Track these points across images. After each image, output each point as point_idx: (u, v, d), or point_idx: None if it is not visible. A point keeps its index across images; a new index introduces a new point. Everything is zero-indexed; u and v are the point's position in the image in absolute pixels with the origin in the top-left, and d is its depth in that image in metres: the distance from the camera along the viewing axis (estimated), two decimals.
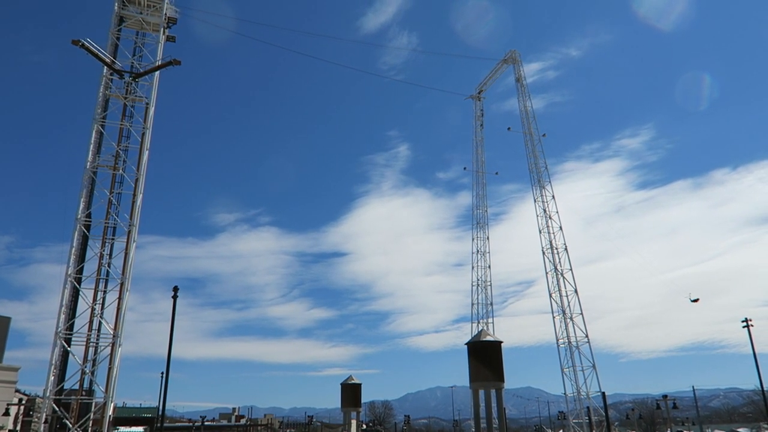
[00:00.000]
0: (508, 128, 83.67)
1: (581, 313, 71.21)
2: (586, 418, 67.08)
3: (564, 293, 72.21)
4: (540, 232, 76.42)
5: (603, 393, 65.60)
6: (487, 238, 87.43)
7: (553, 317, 72.39)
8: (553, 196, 77.50)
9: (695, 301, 71.69)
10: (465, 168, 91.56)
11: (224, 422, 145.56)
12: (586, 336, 69.93)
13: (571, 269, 73.47)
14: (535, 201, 77.83)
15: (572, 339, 69.83)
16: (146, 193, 48.69)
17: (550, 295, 73.16)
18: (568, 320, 70.82)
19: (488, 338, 39.42)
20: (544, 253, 75.37)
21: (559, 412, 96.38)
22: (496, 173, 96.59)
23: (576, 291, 72.17)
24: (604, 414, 64.80)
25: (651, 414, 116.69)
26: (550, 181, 78.59)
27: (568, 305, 71.67)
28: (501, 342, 38.87)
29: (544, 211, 76.73)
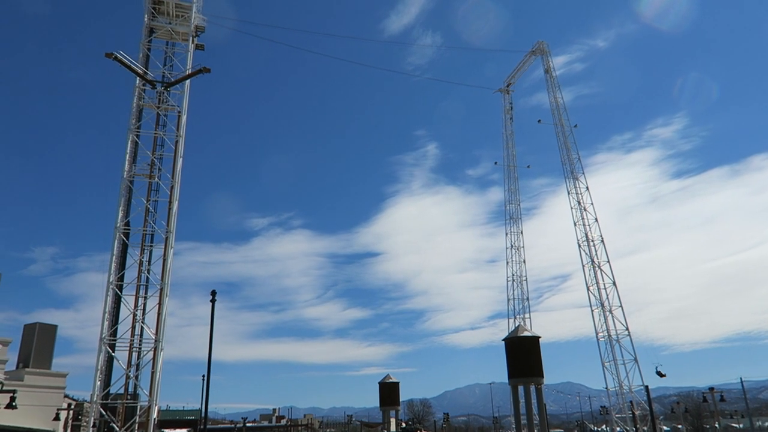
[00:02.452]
0: (539, 120, 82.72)
1: (620, 306, 69.87)
2: (630, 412, 65.71)
3: (602, 286, 70.93)
4: (575, 224, 75.22)
5: (646, 387, 64.19)
6: (521, 232, 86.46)
7: (592, 311, 71.22)
8: (587, 188, 76.20)
9: (662, 375, 69.99)
10: (496, 163, 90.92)
11: (265, 423, 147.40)
12: (627, 329, 68.57)
13: (608, 261, 72.13)
14: (568, 193, 76.63)
15: (612, 332, 68.56)
16: (181, 199, 49.51)
17: (588, 289, 71.96)
18: (607, 313, 69.52)
19: (526, 333, 38.95)
20: (579, 245, 74.16)
21: (601, 407, 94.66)
22: (528, 167, 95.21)
23: (614, 283, 70.82)
24: (648, 408, 63.38)
25: (697, 407, 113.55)
26: (583, 172, 77.28)
27: (607, 298, 70.40)
28: (539, 337, 38.35)
29: (579, 203, 75.44)
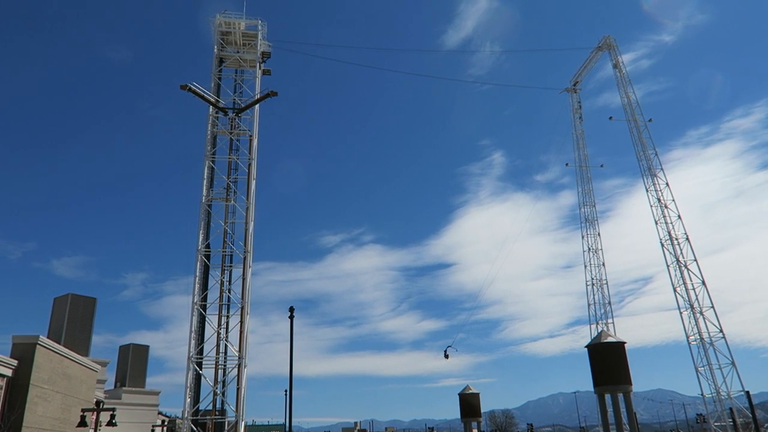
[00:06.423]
0: (610, 117, 79.84)
1: (712, 307, 65.78)
2: (730, 420, 61.55)
3: (690, 286, 67.16)
4: (656, 223, 71.79)
5: (747, 392, 60.04)
6: (598, 234, 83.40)
7: (680, 313, 67.49)
8: (667, 183, 72.63)
9: (447, 357, 72.30)
10: (567, 164, 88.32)
11: None
12: (721, 331, 64.43)
13: (695, 260, 68.27)
14: (647, 191, 73.33)
15: (704, 335, 64.65)
16: (256, 221, 51.17)
17: (675, 290, 68.33)
18: (698, 315, 65.70)
19: (610, 339, 37.48)
20: (663, 245, 70.65)
21: (698, 414, 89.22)
22: (602, 166, 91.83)
23: (703, 283, 66.87)
24: (750, 415, 59.19)
25: None
26: (662, 168, 73.75)
27: (696, 299, 66.54)
28: (624, 342, 36.80)
29: (659, 200, 72.01)
